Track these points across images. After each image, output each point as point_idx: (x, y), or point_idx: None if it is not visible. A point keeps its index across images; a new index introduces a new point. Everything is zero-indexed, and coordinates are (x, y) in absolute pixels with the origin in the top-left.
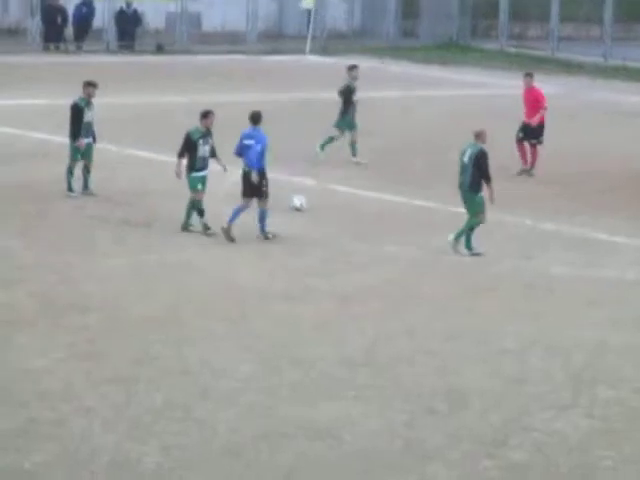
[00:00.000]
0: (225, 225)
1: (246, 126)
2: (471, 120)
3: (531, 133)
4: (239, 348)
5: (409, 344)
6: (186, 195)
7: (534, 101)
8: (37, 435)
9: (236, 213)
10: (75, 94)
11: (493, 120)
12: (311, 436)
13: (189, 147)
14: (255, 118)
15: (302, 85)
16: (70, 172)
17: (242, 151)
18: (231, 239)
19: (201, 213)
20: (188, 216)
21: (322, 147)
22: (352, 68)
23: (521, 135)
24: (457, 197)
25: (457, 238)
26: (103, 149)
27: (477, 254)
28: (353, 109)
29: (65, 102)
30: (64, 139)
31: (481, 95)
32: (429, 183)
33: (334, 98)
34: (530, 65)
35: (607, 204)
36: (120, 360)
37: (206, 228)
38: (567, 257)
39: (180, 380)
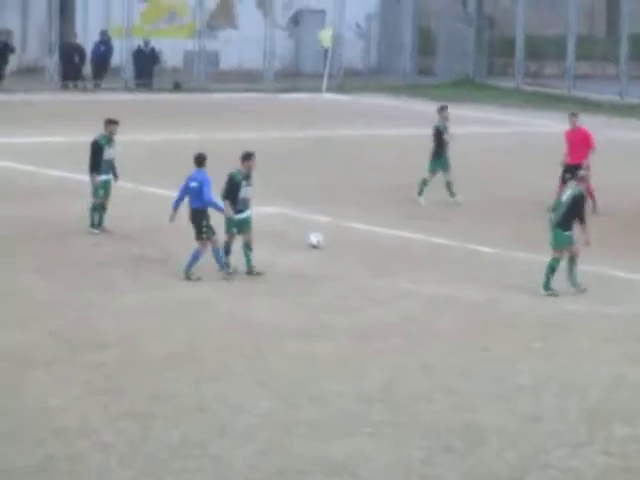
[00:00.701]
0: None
1: (264, 163)
2: (487, 157)
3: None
4: (256, 385)
5: (426, 381)
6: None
7: (581, 141)
8: (54, 472)
9: (195, 257)
10: (93, 132)
11: (510, 157)
12: (328, 472)
13: (232, 189)
14: (199, 160)
15: (318, 123)
16: (93, 209)
17: (187, 193)
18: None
19: (228, 252)
20: (248, 258)
21: (420, 193)
22: (442, 109)
23: (568, 177)
24: (474, 234)
25: (547, 286)
26: (119, 186)
27: (554, 295)
28: (446, 150)
29: (83, 140)
30: (82, 177)
31: (498, 133)
32: (446, 220)
33: (350, 135)
34: (546, 103)
35: (624, 242)
36: (137, 396)
37: (227, 267)
38: (583, 294)
39: (197, 417)
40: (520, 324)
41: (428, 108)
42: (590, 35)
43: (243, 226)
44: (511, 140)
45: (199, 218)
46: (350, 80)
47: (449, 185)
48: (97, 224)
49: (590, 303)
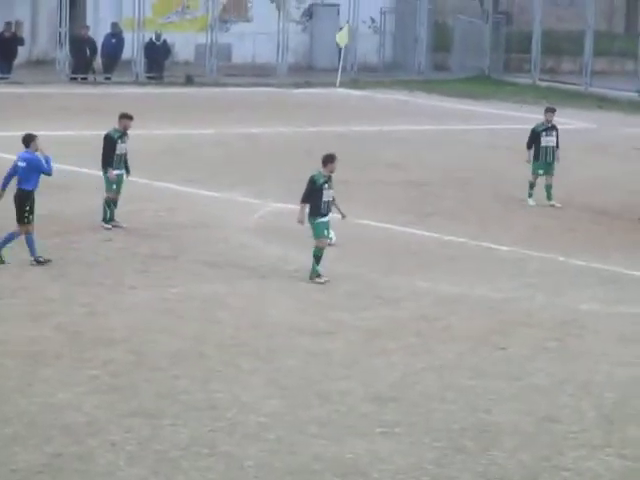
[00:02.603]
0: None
1: (276, 159)
2: (503, 154)
3: None
4: (266, 383)
5: (439, 380)
6: (213, 226)
7: None
8: (62, 470)
9: (9, 238)
10: (103, 126)
11: (523, 154)
12: (338, 473)
13: (313, 192)
14: (26, 140)
15: (332, 118)
16: (107, 204)
17: (15, 172)
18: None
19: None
20: (315, 265)
21: (530, 195)
22: (547, 111)
23: None
24: (488, 232)
25: None
26: (131, 181)
27: None
28: (544, 152)
29: (93, 134)
30: (92, 171)
31: (513, 129)
32: (460, 218)
33: (364, 131)
34: (563, 100)
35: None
36: (146, 394)
37: (317, 275)
38: (598, 293)
39: (206, 415)
40: (536, 323)
41: (443, 104)
42: (608, 31)
43: (327, 229)
44: (526, 137)
45: (24, 200)
46: (364, 75)
47: (548, 188)
48: (109, 219)
49: (606, 302)
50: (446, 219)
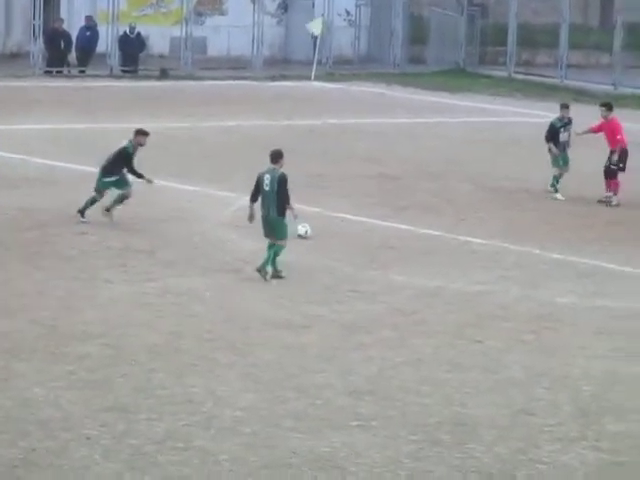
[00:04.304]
0: None
1: (251, 152)
2: (478, 147)
3: None
4: (242, 377)
5: (415, 374)
6: (189, 220)
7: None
8: (37, 464)
9: None
10: (78, 119)
11: (500, 147)
12: (315, 467)
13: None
14: None
15: (307, 111)
16: (93, 201)
17: None
18: None
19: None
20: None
21: (555, 189)
22: (563, 107)
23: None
24: (465, 225)
25: None
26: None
27: None
28: (562, 147)
29: (68, 127)
30: (67, 165)
31: (489, 122)
32: (436, 211)
33: (339, 124)
34: (538, 92)
35: (617, 234)
36: (121, 389)
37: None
38: (575, 287)
39: (182, 409)
40: (512, 317)
41: (419, 97)
42: (584, 24)
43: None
44: (502, 130)
45: None
46: (340, 68)
47: (556, 177)
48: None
49: (582, 296)
50: (422, 212)
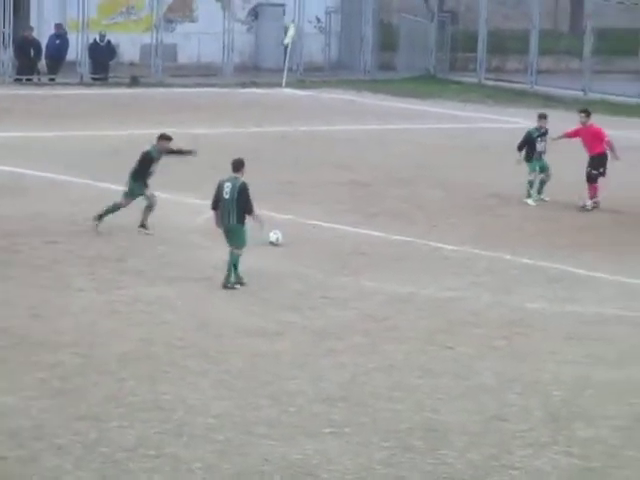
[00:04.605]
0: None
1: (222, 160)
2: (449, 153)
3: None
4: (215, 384)
5: (387, 380)
6: (158, 227)
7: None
8: (7, 474)
9: None
10: (48, 127)
11: (471, 153)
12: (287, 474)
13: (218, 198)
14: None
15: (278, 118)
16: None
17: None
18: None
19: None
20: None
21: (528, 194)
22: (541, 117)
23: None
24: (436, 231)
25: None
26: (78, 183)
27: None
28: (539, 156)
29: (37, 135)
30: (36, 173)
31: (459, 128)
32: (407, 217)
33: (310, 131)
34: (509, 98)
35: (587, 240)
36: (93, 397)
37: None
38: (545, 292)
39: (154, 417)
40: (483, 323)
41: (389, 103)
42: (554, 29)
43: None
44: (472, 136)
45: None
46: (310, 75)
47: (531, 183)
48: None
49: (552, 301)
50: (393, 218)
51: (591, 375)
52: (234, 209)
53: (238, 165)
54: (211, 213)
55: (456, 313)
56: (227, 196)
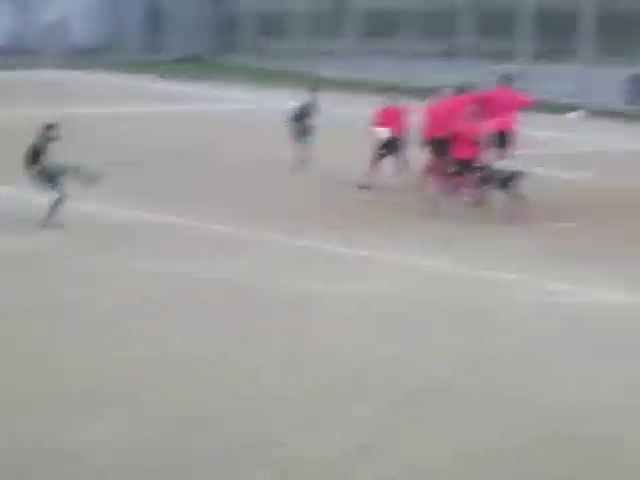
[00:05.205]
0: None
1: None
2: (213, 134)
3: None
4: None
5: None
6: None
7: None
8: None
9: None
10: None
11: (238, 133)
12: None
13: None
14: None
15: (46, 101)
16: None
17: None
18: None
19: None
20: None
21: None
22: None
23: None
24: (205, 211)
25: None
26: None
27: None
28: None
29: None
30: None
31: (224, 110)
32: (178, 198)
33: (78, 114)
34: (273, 80)
35: (362, 218)
36: None
37: None
38: (321, 273)
39: None
40: (260, 304)
41: (158, 85)
42: (318, 10)
43: None
44: (238, 116)
45: None
46: (77, 57)
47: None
48: None
49: (327, 282)
50: (165, 199)
51: (369, 351)
52: None
53: None
54: None
55: (227, 292)
56: None
